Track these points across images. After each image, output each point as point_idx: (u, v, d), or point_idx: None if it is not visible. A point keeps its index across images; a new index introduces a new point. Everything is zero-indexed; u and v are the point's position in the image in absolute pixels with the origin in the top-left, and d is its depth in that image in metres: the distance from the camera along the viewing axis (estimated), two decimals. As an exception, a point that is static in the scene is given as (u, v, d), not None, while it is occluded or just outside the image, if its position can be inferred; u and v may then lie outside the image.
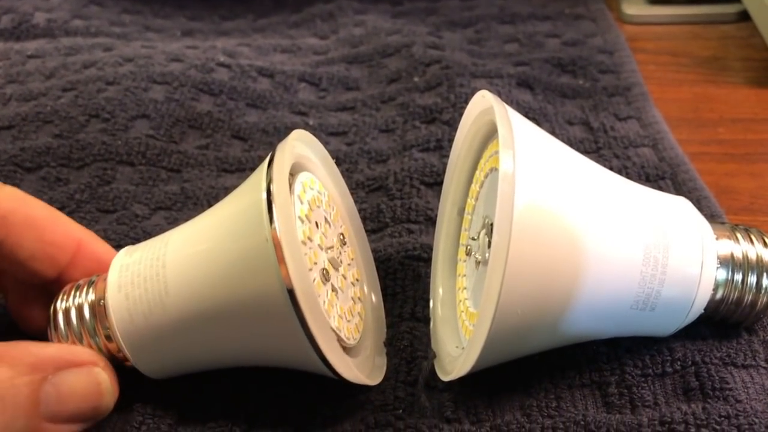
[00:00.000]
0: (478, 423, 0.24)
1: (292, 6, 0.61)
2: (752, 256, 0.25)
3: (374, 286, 0.30)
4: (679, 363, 0.26)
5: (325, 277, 0.25)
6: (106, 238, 0.35)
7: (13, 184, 0.39)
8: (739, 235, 0.26)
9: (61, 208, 0.37)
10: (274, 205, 0.22)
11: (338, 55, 0.50)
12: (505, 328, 0.22)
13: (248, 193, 0.24)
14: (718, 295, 0.25)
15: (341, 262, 0.27)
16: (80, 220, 0.36)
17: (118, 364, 0.26)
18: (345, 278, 0.27)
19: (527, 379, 0.26)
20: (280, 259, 0.22)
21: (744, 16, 0.53)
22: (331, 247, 0.26)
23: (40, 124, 0.42)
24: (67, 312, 0.26)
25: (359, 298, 0.28)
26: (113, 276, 0.25)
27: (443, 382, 0.25)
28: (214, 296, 0.23)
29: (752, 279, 0.25)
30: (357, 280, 0.28)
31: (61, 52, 0.50)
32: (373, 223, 0.34)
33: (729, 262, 0.25)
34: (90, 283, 0.27)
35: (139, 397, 0.26)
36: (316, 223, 0.26)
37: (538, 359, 0.26)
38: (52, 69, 0.47)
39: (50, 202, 0.37)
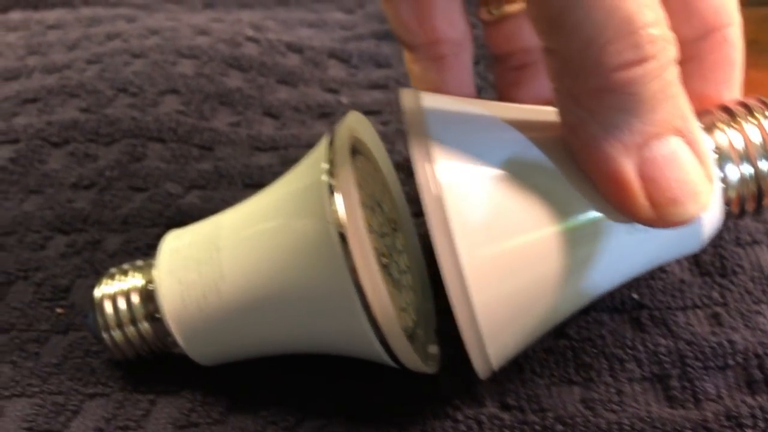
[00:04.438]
0: (540, 413, 0.24)
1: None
2: (756, 140, 0.22)
3: (422, 273, 0.29)
4: (740, 355, 0.25)
5: (384, 264, 0.24)
6: (140, 217, 0.34)
7: (40, 160, 0.38)
8: (729, 117, 0.23)
9: (91, 185, 0.36)
10: (337, 189, 0.21)
11: (367, 31, 0.49)
12: (502, 330, 0.21)
13: (308, 174, 0.23)
14: (733, 194, 0.23)
15: (395, 248, 0.26)
16: (112, 198, 0.35)
17: (165, 349, 0.25)
18: (398, 265, 0.26)
19: (587, 372, 0.25)
20: (346, 243, 0.21)
21: (782, -2, 0.52)
22: (386, 234, 0.26)
23: (66, 98, 0.40)
24: (113, 298, 0.25)
25: (411, 286, 0.27)
26: (163, 260, 0.25)
27: (501, 371, 0.25)
28: (273, 281, 0.23)
29: (764, 164, 0.22)
30: (408, 267, 0.27)
31: (83, 23, 0.49)
32: (414, 206, 0.33)
33: (728, 154, 0.22)
34: (136, 268, 0.26)
35: (188, 383, 0.26)
36: (372, 208, 0.25)
37: (596, 351, 0.26)
38: (75, 40, 0.46)
39: (80, 178, 0.36)
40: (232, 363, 0.25)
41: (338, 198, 0.21)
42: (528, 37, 0.28)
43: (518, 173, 0.20)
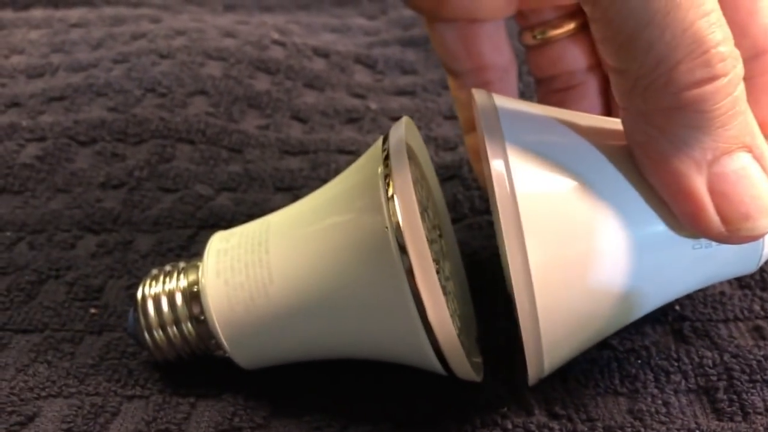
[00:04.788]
0: (589, 422, 0.23)
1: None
2: None
3: (463, 281, 0.29)
4: (786, 370, 0.25)
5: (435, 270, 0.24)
6: (172, 218, 0.33)
7: (67, 158, 0.38)
8: None
9: (120, 185, 0.36)
10: (395, 192, 0.21)
11: (391, 37, 0.49)
12: (559, 339, 0.21)
13: (363, 178, 0.23)
14: None
15: (442, 255, 0.26)
16: (142, 199, 0.35)
17: (206, 351, 0.25)
18: (444, 272, 0.26)
19: (632, 383, 0.25)
20: (403, 246, 0.21)
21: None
22: (434, 240, 0.25)
23: (93, 97, 0.40)
24: (156, 298, 0.25)
25: (454, 294, 0.27)
26: (210, 261, 0.24)
27: (546, 380, 0.25)
28: (324, 283, 0.22)
29: None
30: (451, 274, 0.27)
31: (106, 22, 0.49)
32: (451, 213, 0.33)
33: None
34: (179, 269, 0.25)
35: (229, 387, 0.25)
36: (421, 214, 0.25)
37: (641, 362, 0.25)
38: (99, 39, 0.46)
39: (108, 178, 0.36)
40: (273, 366, 0.25)
41: (396, 201, 0.21)
42: (572, 60, 0.29)
43: (587, 179, 0.20)
